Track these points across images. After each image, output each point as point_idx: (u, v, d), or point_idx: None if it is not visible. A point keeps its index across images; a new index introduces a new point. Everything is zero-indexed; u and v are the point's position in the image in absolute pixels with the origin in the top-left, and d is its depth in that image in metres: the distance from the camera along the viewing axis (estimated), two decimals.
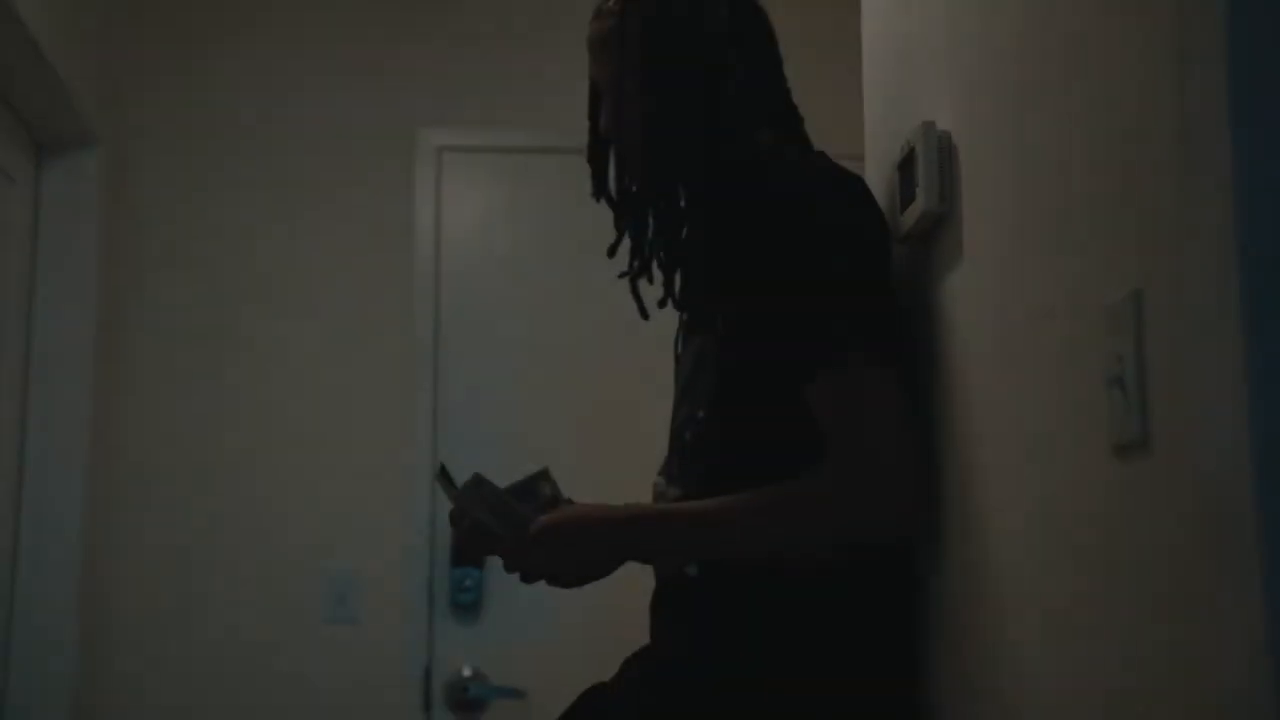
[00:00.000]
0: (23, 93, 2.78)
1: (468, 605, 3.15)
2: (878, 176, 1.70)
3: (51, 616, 2.92)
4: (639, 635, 1.67)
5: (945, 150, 1.47)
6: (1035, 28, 1.25)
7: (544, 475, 1.64)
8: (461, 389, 3.27)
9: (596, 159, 1.73)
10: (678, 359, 1.75)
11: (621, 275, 1.68)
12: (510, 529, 1.55)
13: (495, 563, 1.64)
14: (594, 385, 3.26)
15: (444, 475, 1.61)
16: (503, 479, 1.62)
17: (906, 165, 1.53)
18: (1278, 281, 0.84)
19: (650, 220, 1.67)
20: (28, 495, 2.96)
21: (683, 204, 1.64)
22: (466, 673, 3.14)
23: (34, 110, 2.87)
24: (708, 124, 1.62)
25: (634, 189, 1.67)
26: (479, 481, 1.57)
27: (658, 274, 1.68)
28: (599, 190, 1.72)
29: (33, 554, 2.93)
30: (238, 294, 3.27)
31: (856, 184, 1.59)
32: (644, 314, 1.70)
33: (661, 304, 1.67)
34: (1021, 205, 1.28)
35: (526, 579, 1.57)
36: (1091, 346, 1.09)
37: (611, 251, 1.68)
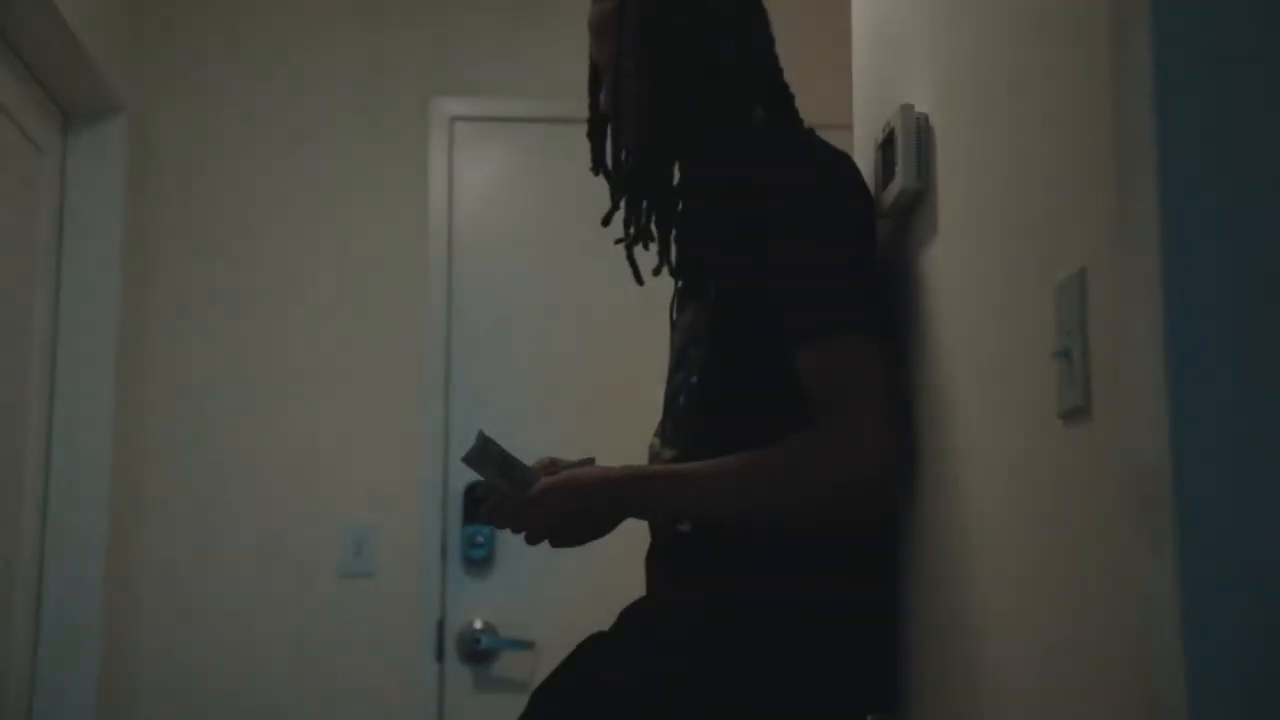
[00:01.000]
0: (50, 65, 2.86)
1: (479, 560, 3.26)
2: (863, 155, 1.78)
3: (79, 570, 3.04)
4: (641, 589, 1.75)
5: (923, 131, 1.55)
6: (1002, 24, 1.33)
7: (589, 463, 1.70)
8: (473, 352, 3.35)
9: (595, 135, 1.80)
10: (673, 325, 1.83)
11: (618, 242, 1.76)
12: (513, 489, 1.62)
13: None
14: (602, 349, 3.34)
15: (482, 439, 1.65)
16: (512, 438, 1.69)
17: (887, 145, 1.61)
18: (1195, 271, 0.93)
19: (647, 194, 1.74)
20: (55, 451, 3.06)
21: (679, 179, 1.72)
22: (478, 625, 3.25)
23: (61, 82, 2.95)
24: (703, 103, 1.69)
25: (631, 164, 1.74)
26: (485, 442, 1.62)
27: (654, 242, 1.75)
28: (597, 164, 1.79)
29: (61, 507, 3.04)
30: (256, 260, 3.36)
31: (844, 161, 1.66)
32: (639, 280, 1.77)
33: (656, 271, 1.75)
34: (988, 186, 1.36)
35: (529, 539, 1.64)
36: (1044, 318, 1.18)
37: (606, 220, 1.76)
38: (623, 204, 1.74)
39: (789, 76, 1.80)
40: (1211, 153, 0.94)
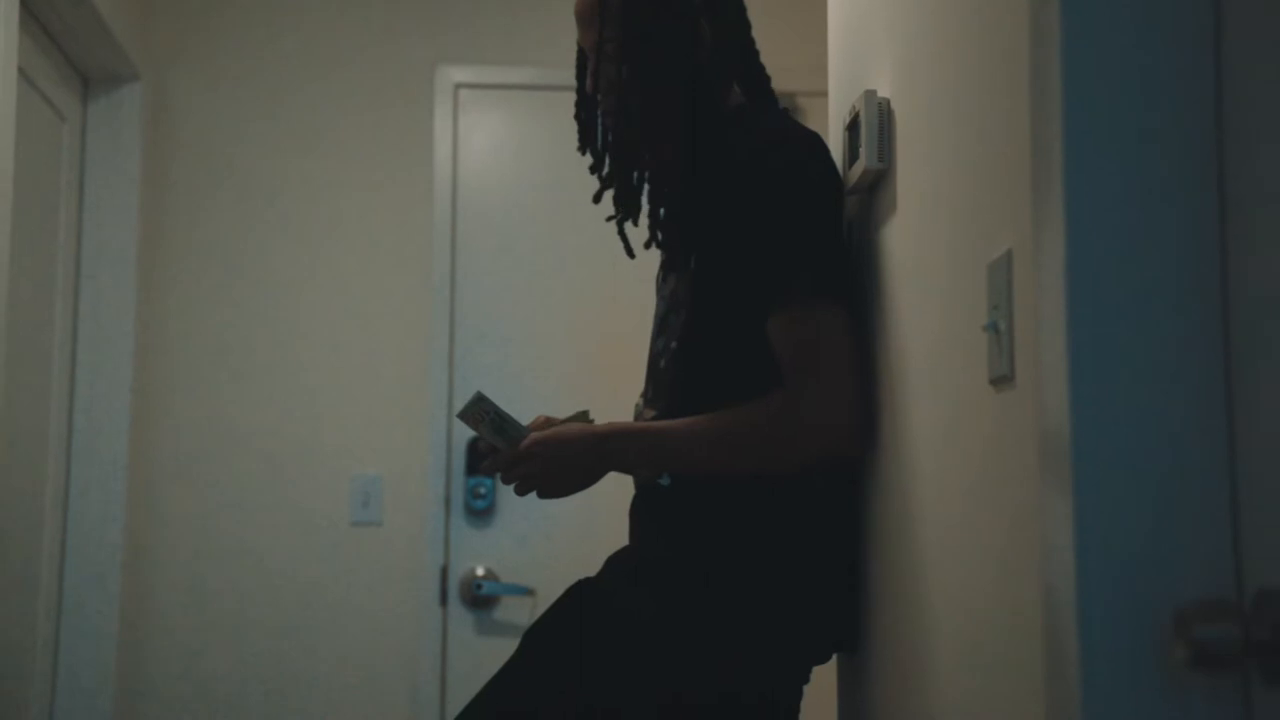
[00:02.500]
0: (70, 34, 2.95)
1: (482, 511, 3.39)
2: (835, 136, 1.89)
3: (100, 524, 3.17)
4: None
5: (885, 115, 1.65)
6: (949, 14, 1.43)
7: (584, 415, 1.80)
8: (477, 312, 3.46)
9: (582, 116, 1.89)
10: (658, 293, 1.94)
11: (609, 219, 1.87)
12: (504, 444, 1.74)
13: None
14: (599, 312, 3.44)
15: (478, 397, 1.75)
16: (511, 395, 1.79)
17: (853, 127, 1.71)
18: (1095, 256, 1.05)
19: (633, 172, 1.85)
20: (77, 407, 3.18)
21: (660, 157, 1.82)
22: (480, 572, 3.38)
23: (80, 50, 3.04)
24: (683, 85, 1.78)
25: (616, 143, 1.84)
26: (480, 399, 1.73)
27: (644, 218, 1.86)
28: (585, 144, 1.89)
29: (83, 461, 3.18)
30: (268, 220, 3.47)
31: (815, 140, 1.76)
32: (630, 253, 1.89)
33: (647, 245, 1.86)
34: (937, 168, 1.47)
35: (518, 490, 1.76)
36: (979, 293, 1.30)
37: (596, 198, 1.86)
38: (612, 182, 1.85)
39: (769, 52, 1.90)
40: (1112, 148, 1.05)
